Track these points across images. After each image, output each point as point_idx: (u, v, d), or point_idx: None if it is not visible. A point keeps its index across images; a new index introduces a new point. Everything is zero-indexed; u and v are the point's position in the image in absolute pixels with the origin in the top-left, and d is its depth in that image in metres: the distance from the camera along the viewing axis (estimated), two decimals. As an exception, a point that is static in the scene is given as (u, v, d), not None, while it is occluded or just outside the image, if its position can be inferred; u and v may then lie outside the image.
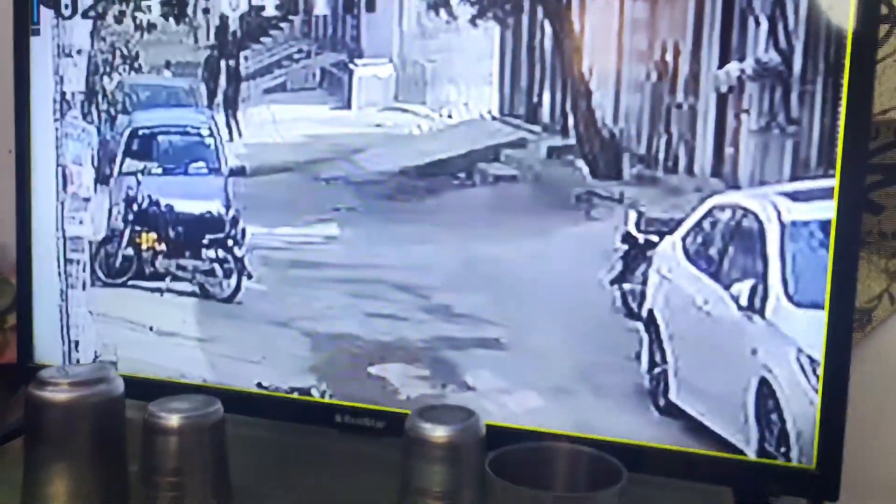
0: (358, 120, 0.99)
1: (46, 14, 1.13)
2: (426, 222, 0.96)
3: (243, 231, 1.05)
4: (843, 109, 0.80)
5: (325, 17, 0.99)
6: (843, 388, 0.82)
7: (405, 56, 0.96)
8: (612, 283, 0.89)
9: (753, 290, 0.84)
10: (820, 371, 0.83)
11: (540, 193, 0.92)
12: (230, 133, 1.04)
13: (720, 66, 0.84)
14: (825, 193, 0.81)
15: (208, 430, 0.87)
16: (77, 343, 1.15)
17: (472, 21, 0.92)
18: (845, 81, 0.80)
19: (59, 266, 1.15)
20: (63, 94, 1.13)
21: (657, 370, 0.89)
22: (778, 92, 0.83)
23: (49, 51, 1.13)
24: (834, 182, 0.81)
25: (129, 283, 1.12)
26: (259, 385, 1.06)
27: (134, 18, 1.08)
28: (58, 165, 1.14)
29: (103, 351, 1.14)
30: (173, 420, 0.85)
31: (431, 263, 0.96)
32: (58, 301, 1.16)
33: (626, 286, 0.89)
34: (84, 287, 1.14)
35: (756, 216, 0.84)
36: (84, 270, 1.13)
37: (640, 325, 0.89)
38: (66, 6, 1.11)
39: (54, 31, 1.13)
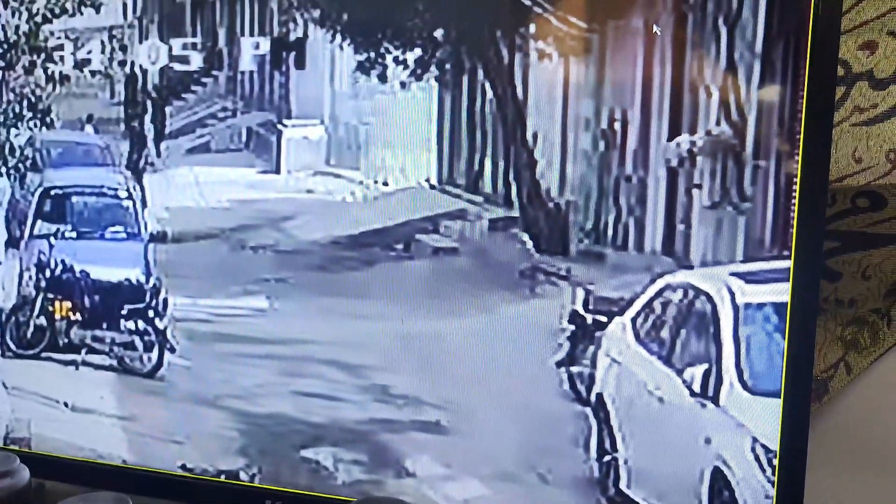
0: (287, 185, 0.92)
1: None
2: (361, 296, 0.89)
3: (165, 301, 0.97)
4: (797, 188, 0.76)
5: (251, 73, 0.92)
6: (799, 481, 0.78)
7: (337, 117, 0.89)
8: (558, 365, 0.84)
9: (706, 376, 0.79)
10: (776, 462, 0.78)
11: (482, 268, 0.86)
12: (145, 196, 0.96)
13: (670, 138, 0.79)
14: (780, 275, 0.77)
15: (117, 537, 0.79)
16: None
17: (408, 82, 0.86)
18: (800, 156, 0.76)
19: (-34, 335, 1.06)
20: (-32, 148, 1.04)
21: (607, 458, 0.83)
22: (730, 166, 0.78)
23: (-46, 101, 1.04)
24: (789, 263, 0.76)
25: (43, 354, 1.03)
26: (183, 467, 0.98)
27: (45, 70, 0.99)
28: (-36, 226, 1.05)
29: (16, 427, 1.05)
30: (77, 529, 0.77)
31: (367, 340, 0.90)
32: (-35, 372, 1.07)
33: (574, 369, 0.83)
34: (-8, 359, 1.05)
35: (709, 298, 0.79)
36: (-8, 342, 1.05)
37: (588, 411, 0.83)
38: (-28, 54, 1.03)
39: (-41, 81, 1.04)
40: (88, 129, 0.98)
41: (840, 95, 0.92)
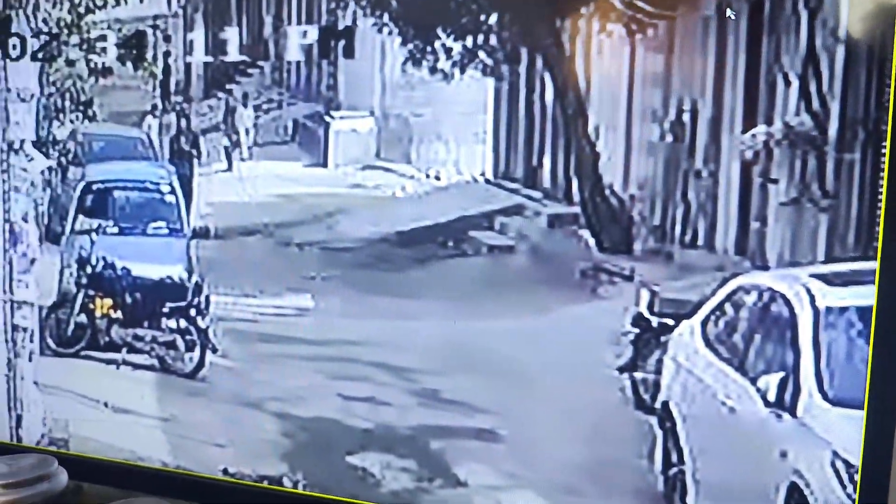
0: (335, 179, 0.88)
1: (-8, 54, 1.02)
2: (411, 295, 0.85)
3: (207, 299, 0.94)
4: (885, 181, 0.71)
5: (297, 63, 0.89)
6: (883, 498, 0.72)
7: (388, 109, 0.86)
8: (620, 370, 0.79)
9: (783, 385, 0.74)
10: (858, 478, 0.73)
11: (539, 267, 0.82)
12: (190, 190, 0.93)
13: (745, 131, 0.74)
14: (865, 276, 0.71)
15: (160, 545, 0.76)
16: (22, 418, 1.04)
17: (463, 71, 0.82)
18: (888, 148, 0.71)
19: (5, 333, 1.04)
20: (10, 142, 1.02)
21: (673, 471, 0.78)
22: (811, 160, 0.73)
23: (-5, 94, 1.03)
24: (875, 264, 0.71)
25: (82, 353, 1.01)
26: (225, 472, 0.95)
27: (88, 62, 0.97)
28: (5, 221, 1.03)
29: (53, 427, 1.03)
30: (118, 536, 0.74)
31: (417, 342, 0.86)
32: (4, 371, 1.04)
33: (638, 375, 0.79)
34: (31, 357, 1.03)
35: (786, 300, 0.74)
36: (32, 340, 1.02)
37: (653, 420, 0.78)
38: (14, 46, 1.01)
39: (1, 74, 1.02)
40: (131, 121, 0.96)
41: (923, 86, 0.86)
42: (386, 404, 0.87)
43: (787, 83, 0.73)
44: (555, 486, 0.82)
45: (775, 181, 0.74)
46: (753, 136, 0.74)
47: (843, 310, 0.72)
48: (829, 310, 0.73)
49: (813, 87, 0.72)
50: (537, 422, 0.82)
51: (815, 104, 0.72)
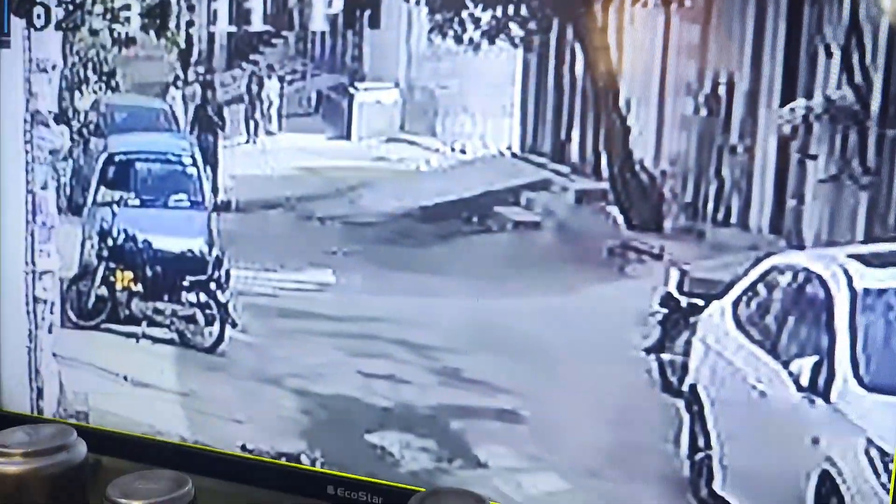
0: (358, 152, 0.87)
1: (17, 24, 1.01)
2: (434, 272, 0.84)
3: (227, 273, 0.93)
4: (930, 158, 0.68)
5: (322, 33, 0.87)
6: (922, 488, 0.70)
7: (413, 80, 0.84)
8: (647, 351, 0.77)
9: (816, 369, 0.71)
10: (893, 467, 0.70)
11: (566, 244, 0.79)
12: (213, 163, 0.92)
13: (783, 104, 0.71)
14: (907, 258, 0.69)
15: (176, 517, 0.75)
16: (42, 390, 1.04)
17: (491, 42, 0.80)
18: (933, 124, 0.68)
19: (27, 304, 1.04)
20: (34, 113, 1.01)
21: (699, 456, 0.76)
22: (852, 135, 0.70)
23: (20, 65, 1.02)
24: (918, 245, 0.68)
25: (102, 326, 1.00)
26: (243, 448, 0.94)
27: (111, 31, 0.96)
28: (27, 192, 1.03)
29: (73, 400, 1.03)
30: (135, 507, 0.73)
31: (439, 319, 0.84)
32: (26, 342, 1.04)
33: (665, 356, 0.76)
34: (51, 329, 1.03)
35: (822, 281, 0.71)
36: (52, 312, 1.02)
37: (680, 403, 0.76)
38: (39, 16, 1.00)
39: (25, 44, 1.01)
40: (154, 92, 0.95)
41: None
42: (406, 382, 0.86)
43: (829, 55, 0.70)
44: (577, 469, 0.80)
45: (814, 157, 0.71)
46: (792, 110, 0.71)
47: (882, 292, 0.70)
48: (867, 292, 0.70)
49: (856, 59, 0.69)
50: (561, 403, 0.80)
51: (858, 77, 0.69)
